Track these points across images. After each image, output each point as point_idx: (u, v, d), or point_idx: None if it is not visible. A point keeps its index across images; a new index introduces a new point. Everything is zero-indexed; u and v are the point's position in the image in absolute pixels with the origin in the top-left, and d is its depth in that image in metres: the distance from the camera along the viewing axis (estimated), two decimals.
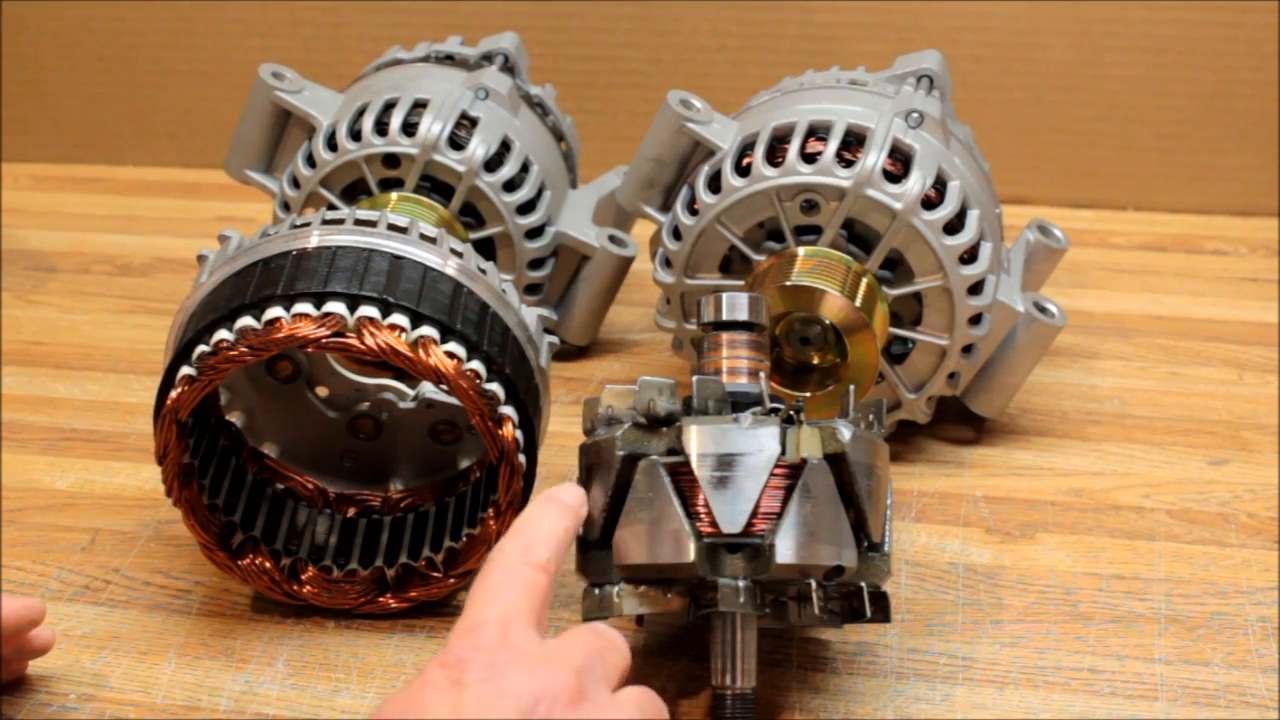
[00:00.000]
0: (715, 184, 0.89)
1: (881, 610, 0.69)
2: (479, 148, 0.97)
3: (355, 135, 0.97)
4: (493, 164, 0.98)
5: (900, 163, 0.87)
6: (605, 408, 0.70)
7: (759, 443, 0.66)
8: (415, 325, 0.72)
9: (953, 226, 0.86)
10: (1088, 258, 1.20)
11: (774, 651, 0.75)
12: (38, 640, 0.72)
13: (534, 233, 0.99)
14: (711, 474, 0.66)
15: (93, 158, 1.44)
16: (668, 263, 0.92)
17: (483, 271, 0.77)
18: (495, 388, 0.73)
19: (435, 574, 0.78)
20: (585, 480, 0.70)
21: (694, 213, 0.90)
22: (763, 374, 0.72)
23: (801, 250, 0.87)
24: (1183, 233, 1.26)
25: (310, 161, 0.98)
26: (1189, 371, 1.03)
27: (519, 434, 0.73)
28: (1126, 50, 1.27)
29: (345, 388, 0.85)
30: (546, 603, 0.61)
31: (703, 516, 0.66)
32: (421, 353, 0.71)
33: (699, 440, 0.67)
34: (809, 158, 0.87)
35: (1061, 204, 1.31)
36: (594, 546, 0.70)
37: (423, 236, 0.77)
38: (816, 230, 0.88)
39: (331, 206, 0.98)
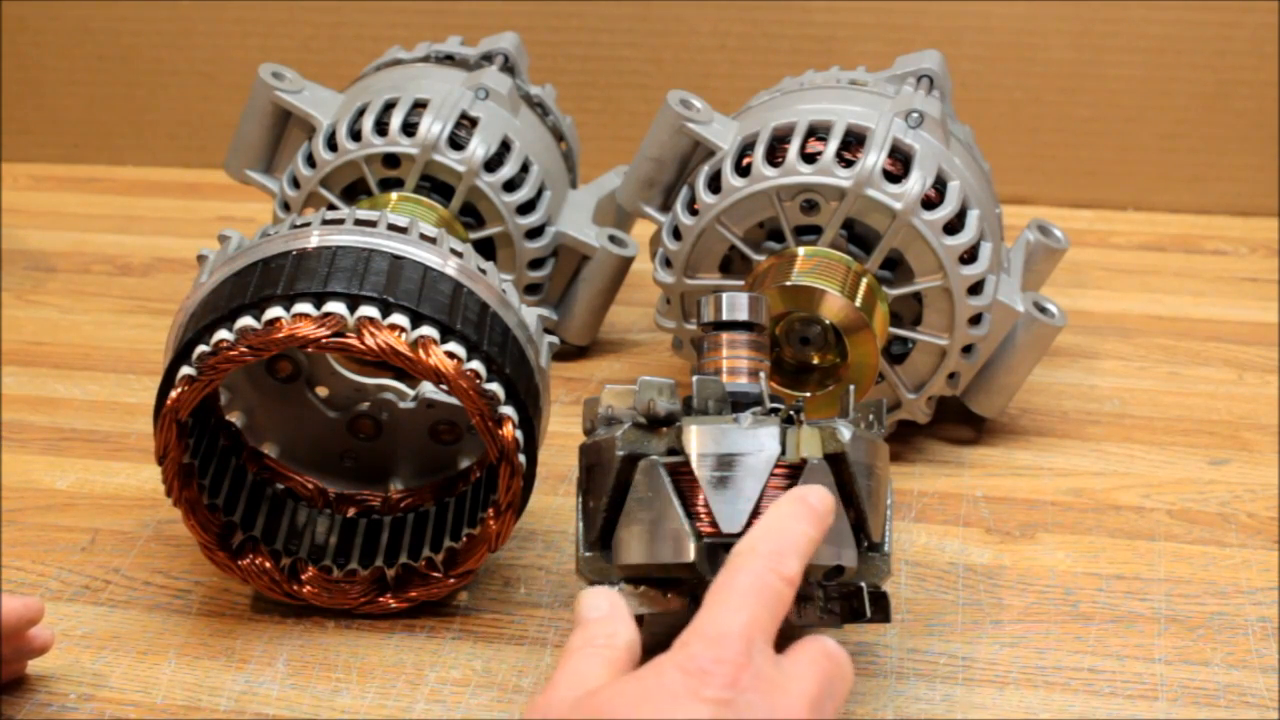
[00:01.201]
0: (715, 184, 0.89)
1: (881, 610, 0.69)
2: (479, 148, 0.97)
3: (355, 135, 0.97)
4: (493, 164, 0.98)
5: (900, 163, 0.87)
6: (605, 408, 0.70)
7: (759, 443, 0.66)
8: (415, 325, 0.72)
9: (953, 226, 0.86)
10: (1088, 258, 1.20)
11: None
12: (37, 640, 0.72)
13: (534, 233, 0.99)
14: (711, 474, 0.66)
15: (93, 158, 1.44)
16: (668, 263, 0.92)
17: (483, 271, 0.77)
18: (495, 388, 0.73)
19: (435, 574, 0.78)
20: (585, 480, 0.70)
21: (694, 213, 0.90)
22: (763, 374, 0.72)
23: (801, 250, 0.87)
24: (1183, 233, 1.26)
25: (310, 161, 0.98)
26: (1189, 371, 1.03)
27: (519, 434, 0.73)
28: (1126, 50, 1.27)
29: (345, 388, 0.85)
30: (784, 618, 0.59)
31: (703, 516, 0.66)
32: (421, 353, 0.71)
33: (699, 440, 0.67)
34: (809, 158, 0.87)
35: (1061, 204, 1.31)
36: (594, 546, 0.70)
37: (423, 236, 0.77)
38: (816, 230, 0.88)
39: (331, 206, 0.98)
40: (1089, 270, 1.18)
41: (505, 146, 0.99)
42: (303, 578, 0.78)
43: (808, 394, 0.87)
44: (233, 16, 1.37)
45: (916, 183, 0.86)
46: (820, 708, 0.56)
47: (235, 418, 0.82)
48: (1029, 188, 1.31)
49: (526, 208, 0.99)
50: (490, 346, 0.73)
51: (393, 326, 0.71)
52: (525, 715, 0.56)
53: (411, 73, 1.04)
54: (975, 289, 0.87)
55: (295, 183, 0.98)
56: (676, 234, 0.91)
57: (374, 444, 0.85)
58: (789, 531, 0.61)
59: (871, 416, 0.72)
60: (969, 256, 0.87)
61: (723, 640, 0.55)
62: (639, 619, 0.69)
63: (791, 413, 0.68)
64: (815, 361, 0.88)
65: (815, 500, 0.63)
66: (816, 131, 0.89)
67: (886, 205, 0.85)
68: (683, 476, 0.67)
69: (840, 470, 0.67)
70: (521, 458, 0.73)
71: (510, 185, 0.98)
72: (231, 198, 1.29)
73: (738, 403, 0.70)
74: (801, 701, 0.55)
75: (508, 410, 0.73)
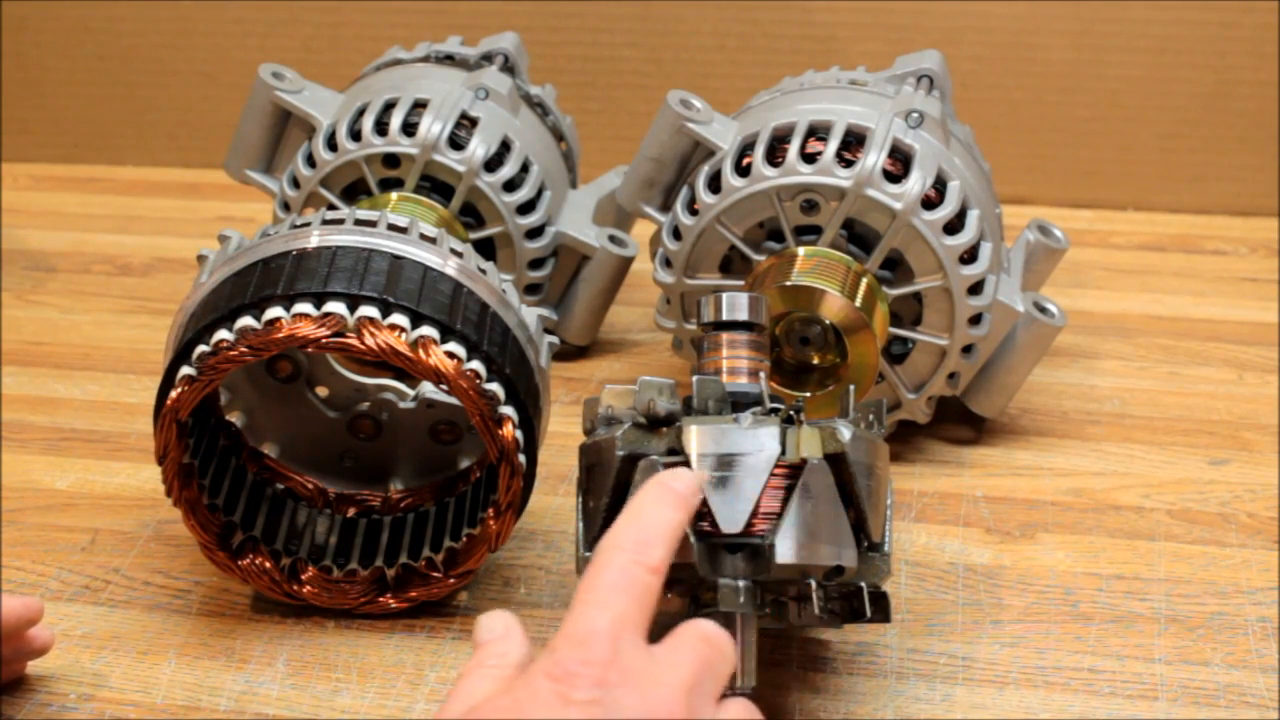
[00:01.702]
0: (715, 184, 0.89)
1: (881, 610, 0.69)
2: (479, 148, 0.97)
3: (355, 135, 0.97)
4: (493, 164, 0.98)
5: (900, 163, 0.87)
6: (605, 408, 0.70)
7: (759, 443, 0.66)
8: (415, 325, 0.72)
9: (953, 226, 0.86)
10: (1088, 258, 1.20)
11: (774, 651, 0.75)
12: (37, 640, 0.72)
13: (534, 233, 0.99)
14: (711, 474, 0.66)
15: (93, 158, 1.44)
16: (668, 263, 0.92)
17: (483, 271, 0.77)
18: (495, 388, 0.73)
19: (435, 574, 0.78)
20: (585, 480, 0.70)
21: (694, 213, 0.90)
22: (763, 374, 0.72)
23: (801, 250, 0.87)
24: (1183, 233, 1.26)
25: (310, 161, 0.98)
26: (1189, 371, 1.03)
27: (519, 434, 0.73)
28: (1126, 50, 1.27)
29: (345, 388, 0.85)
30: (655, 607, 0.59)
31: (703, 516, 0.66)
32: (421, 353, 0.71)
33: (699, 440, 0.67)
34: (809, 158, 0.87)
35: (1061, 204, 1.31)
36: (594, 546, 0.69)
37: (423, 236, 0.77)
38: (816, 230, 0.88)
39: (331, 206, 0.98)
40: (1089, 270, 1.18)
41: (505, 146, 0.99)
42: (303, 578, 0.78)
43: (808, 394, 0.87)
44: (233, 16, 1.37)
45: (916, 183, 0.86)
46: (697, 693, 0.56)
47: (235, 418, 0.82)
48: (1029, 188, 1.31)
49: (526, 208, 0.99)
50: (490, 346, 0.73)
51: (393, 326, 0.71)
52: None
53: (411, 73, 1.04)
54: (975, 289, 0.87)
55: (295, 183, 0.98)
56: (676, 234, 0.91)
57: (374, 444, 0.85)
58: (651, 520, 0.61)
59: (871, 416, 0.72)
60: (969, 256, 0.87)
61: (588, 640, 0.55)
62: None
63: (791, 413, 0.68)
64: (815, 361, 0.88)
65: (679, 484, 0.63)
66: (816, 131, 0.89)
67: (886, 205, 0.85)
68: None
69: (840, 470, 0.67)
70: (521, 458, 0.73)
71: (510, 185, 0.98)
72: (231, 198, 1.29)
73: (738, 403, 0.70)
74: (676, 691, 0.55)
75: (508, 410, 0.73)
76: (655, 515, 0.61)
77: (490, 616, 0.61)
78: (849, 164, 0.86)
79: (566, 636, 0.56)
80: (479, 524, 0.76)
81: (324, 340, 0.71)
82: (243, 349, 0.71)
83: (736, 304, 0.73)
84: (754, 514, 0.66)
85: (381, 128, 0.97)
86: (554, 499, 0.87)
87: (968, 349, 0.89)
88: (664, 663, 0.56)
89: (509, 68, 1.05)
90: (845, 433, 0.67)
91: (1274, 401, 0.98)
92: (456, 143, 0.97)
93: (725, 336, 0.72)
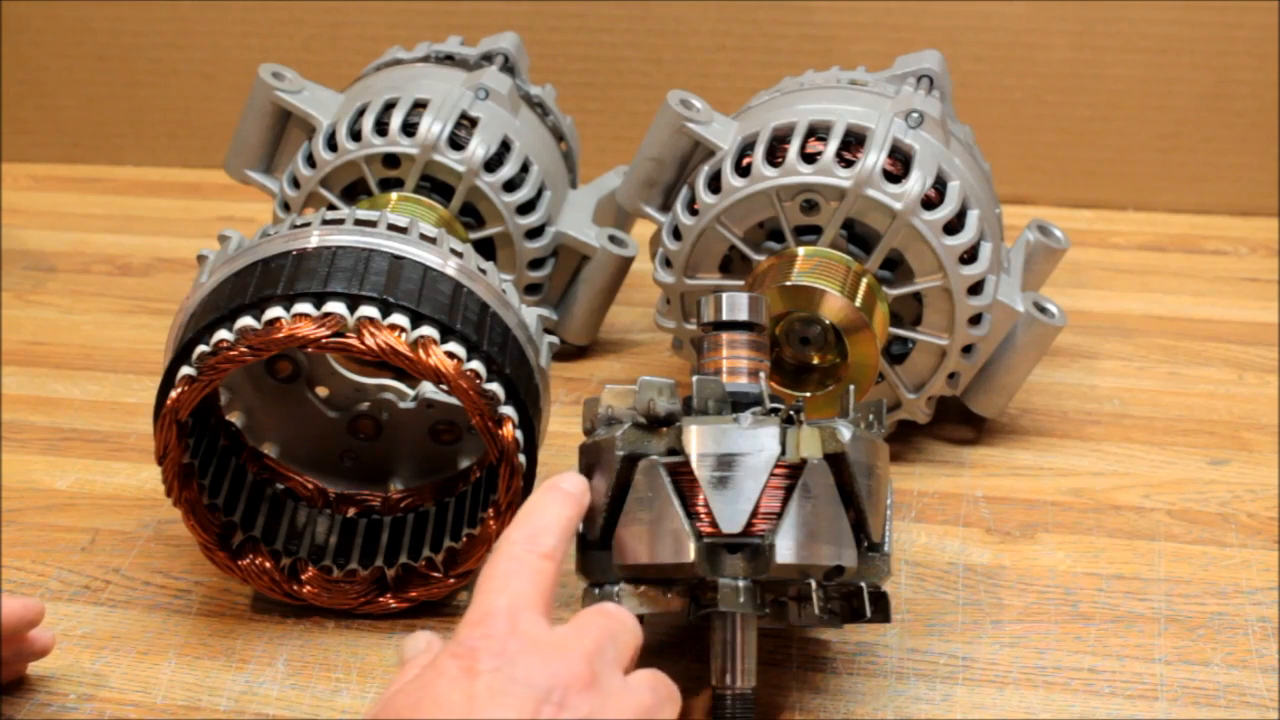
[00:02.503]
0: (715, 184, 0.89)
1: (881, 610, 0.69)
2: (479, 148, 0.97)
3: (355, 135, 0.97)
4: (493, 164, 0.98)
5: (900, 163, 0.87)
6: (605, 408, 0.70)
7: (759, 443, 0.66)
8: (415, 325, 0.72)
9: (953, 226, 0.86)
10: (1088, 258, 1.20)
11: (774, 651, 0.75)
12: (38, 642, 0.72)
13: (534, 233, 0.99)
14: (711, 474, 0.66)
15: (93, 158, 1.44)
16: (668, 263, 0.92)
17: (483, 271, 0.77)
18: (495, 388, 0.73)
19: (435, 574, 0.78)
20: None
21: (694, 213, 0.90)
22: (763, 374, 0.72)
23: (801, 250, 0.87)
24: (1183, 233, 1.26)
25: (310, 161, 0.98)
26: (1189, 371, 1.03)
27: (519, 434, 0.73)
28: (1126, 50, 1.27)
29: (345, 388, 0.85)
30: (554, 590, 0.61)
31: (703, 516, 0.66)
32: (421, 353, 0.71)
33: (699, 440, 0.67)
34: (809, 158, 0.87)
35: (1061, 204, 1.31)
36: (594, 546, 0.70)
37: (423, 236, 0.77)
38: (816, 230, 0.88)
39: (331, 206, 0.98)
40: (1089, 270, 1.18)
41: (505, 146, 0.99)
42: (303, 578, 0.78)
43: (808, 394, 0.87)
44: (233, 16, 1.37)
45: (916, 183, 0.86)
46: (600, 659, 0.58)
47: (235, 418, 0.82)
48: (1029, 188, 1.31)
49: (526, 208, 0.99)
50: (490, 346, 0.73)
51: (393, 326, 0.71)
52: None
53: (411, 73, 1.04)
54: (975, 289, 0.87)
55: (295, 183, 0.98)
56: (676, 234, 0.91)
57: (374, 444, 0.85)
58: (541, 514, 0.64)
59: (871, 416, 0.72)
60: (969, 256, 0.87)
61: (486, 619, 0.58)
62: (639, 619, 0.69)
63: (791, 413, 0.68)
64: (815, 361, 0.88)
65: (567, 484, 0.66)
66: (816, 131, 0.89)
67: (886, 205, 0.85)
68: (683, 476, 0.67)
69: (840, 470, 0.67)
70: (521, 458, 0.73)
71: (510, 185, 0.98)
72: (231, 198, 1.29)
73: (738, 403, 0.70)
74: (578, 655, 0.57)
75: (508, 410, 0.73)
76: (545, 511, 0.65)
77: (413, 637, 0.63)
78: (849, 164, 0.86)
79: (466, 621, 0.58)
80: (479, 524, 0.76)
81: (324, 340, 0.71)
82: (243, 349, 0.71)
83: (736, 304, 0.73)
84: (754, 514, 0.66)
85: (381, 128, 0.97)
86: None
87: (968, 349, 0.89)
88: (564, 635, 0.59)
89: (509, 68, 1.05)
90: (845, 433, 0.67)
91: (1274, 401, 0.98)
92: (456, 143, 0.97)
93: (725, 336, 0.72)
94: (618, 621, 0.61)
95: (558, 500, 0.65)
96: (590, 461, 0.70)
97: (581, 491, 0.67)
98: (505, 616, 0.58)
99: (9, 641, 0.71)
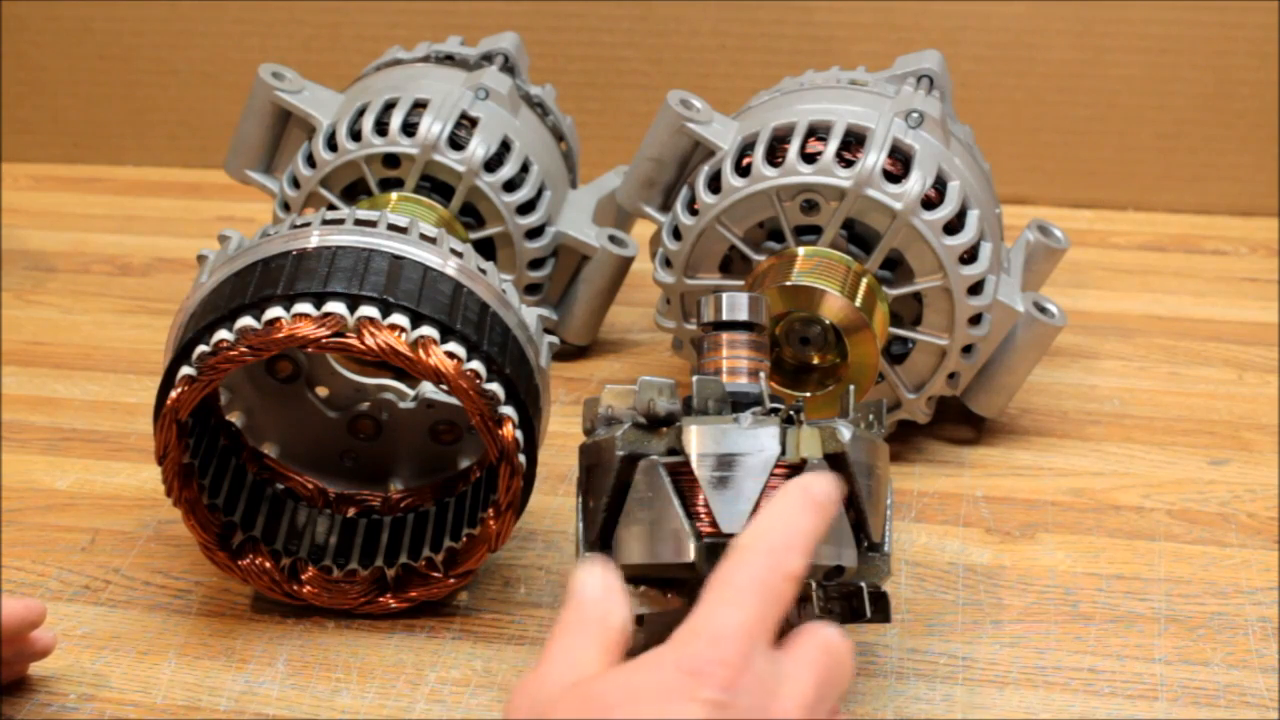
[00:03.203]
0: (715, 184, 0.89)
1: (881, 610, 0.69)
2: (479, 148, 0.97)
3: (355, 135, 0.97)
4: (493, 164, 0.98)
5: (900, 163, 0.87)
6: (605, 408, 0.70)
7: (759, 443, 0.66)
8: (415, 325, 0.72)
9: (953, 226, 0.86)
10: (1088, 258, 1.20)
11: None
12: (39, 643, 0.72)
13: (534, 233, 0.99)
14: (711, 474, 0.66)
15: (93, 158, 1.44)
16: (668, 263, 0.92)
17: (483, 271, 0.77)
18: (495, 388, 0.73)
19: (435, 574, 0.78)
20: (585, 480, 0.70)
21: (694, 213, 0.90)
22: (763, 374, 0.72)
23: (801, 250, 0.87)
24: (1183, 233, 1.26)
25: (310, 161, 0.98)
26: (1189, 371, 1.03)
27: (519, 434, 0.73)
28: (1126, 50, 1.27)
29: (345, 388, 0.85)
30: (784, 615, 0.56)
31: (703, 516, 0.66)
32: (421, 353, 0.71)
33: (699, 440, 0.67)
34: (809, 158, 0.87)
35: (1061, 204, 1.31)
36: (594, 546, 0.70)
37: (423, 236, 0.77)
38: (816, 230, 0.88)
39: (331, 206, 0.98)
40: (1089, 270, 1.18)
41: (505, 146, 0.99)
42: (303, 578, 0.78)
43: (808, 394, 0.87)
44: (233, 16, 1.37)
45: (916, 183, 0.86)
46: (815, 709, 0.55)
47: (235, 418, 0.82)
48: (1029, 188, 1.31)
49: (526, 208, 0.99)
50: (490, 346, 0.73)
51: (393, 326, 0.71)
52: (515, 694, 0.55)
53: (411, 73, 1.04)
54: (975, 289, 0.87)
55: (295, 183, 0.98)
56: (676, 234, 0.91)
57: (374, 444, 0.85)
58: (792, 526, 0.58)
59: (871, 416, 0.72)
60: (969, 256, 0.87)
61: (722, 640, 0.54)
62: (639, 619, 0.69)
63: (791, 413, 0.68)
64: (815, 361, 0.88)
65: (819, 492, 0.60)
66: (816, 131, 0.89)
67: (886, 205, 0.85)
68: (683, 476, 0.67)
69: (840, 470, 0.67)
70: (521, 458, 0.73)
71: (510, 185, 0.98)
72: (231, 198, 1.29)
73: (738, 403, 0.70)
74: (797, 704, 0.54)
75: (508, 410, 0.73)
76: (795, 522, 0.58)
77: (589, 572, 0.58)
78: (849, 164, 0.86)
79: (697, 632, 0.54)
80: (479, 524, 0.76)
81: (324, 340, 0.71)
82: (243, 349, 0.71)
83: (736, 304, 0.73)
84: (754, 514, 0.66)
85: (381, 128, 0.97)
86: (554, 499, 0.87)
87: (968, 349, 0.89)
88: (788, 675, 0.55)
89: (509, 68, 1.05)
90: (845, 433, 0.67)
91: (1274, 401, 0.98)
92: (456, 143, 0.97)
93: (725, 336, 0.72)
94: (838, 660, 0.57)
95: (811, 510, 0.59)
96: (590, 461, 0.70)
97: (832, 502, 0.60)
98: (742, 642, 0.53)
99: (10, 642, 0.71)
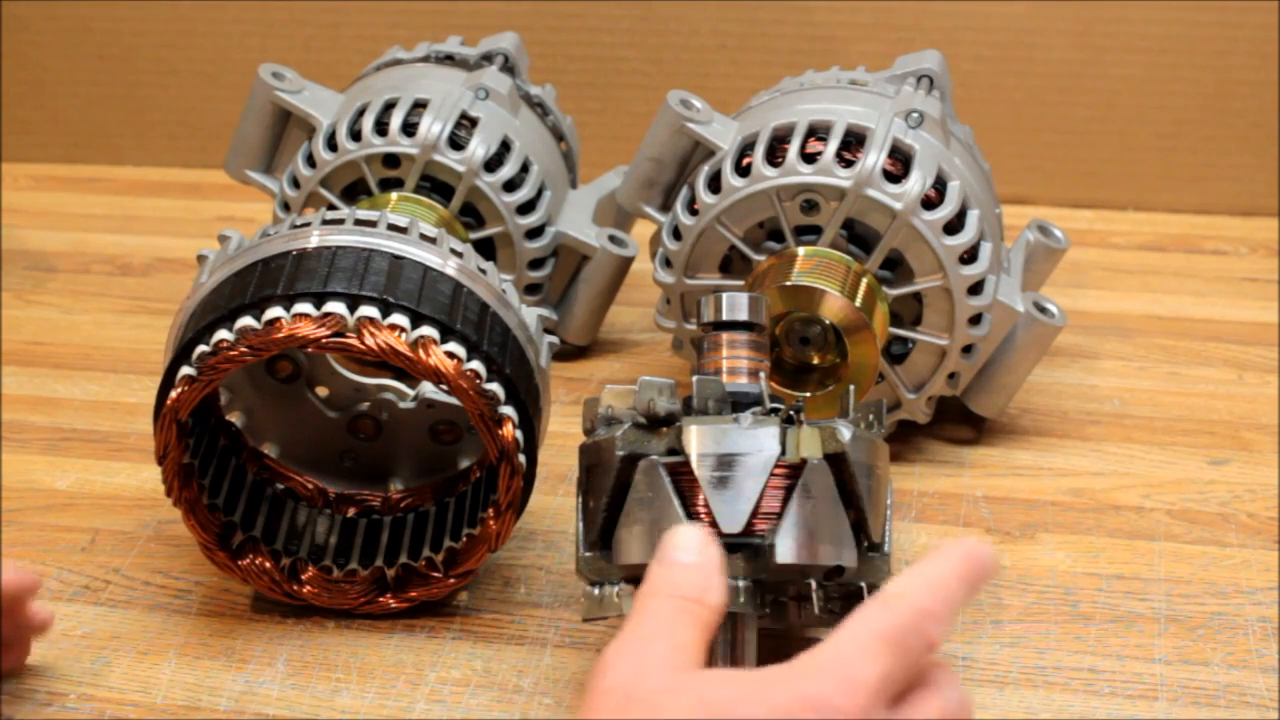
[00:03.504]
0: (715, 184, 0.89)
1: None
2: (479, 148, 0.97)
3: (355, 135, 0.97)
4: (493, 164, 0.98)
5: (900, 163, 0.87)
6: (605, 408, 0.70)
7: (759, 443, 0.66)
8: (415, 325, 0.72)
9: (953, 226, 0.86)
10: (1088, 258, 1.20)
11: (774, 651, 0.75)
12: (37, 616, 0.72)
13: (534, 233, 0.99)
14: (711, 474, 0.66)
15: (93, 158, 1.44)
16: (668, 263, 0.92)
17: (483, 271, 0.77)
18: (495, 388, 0.73)
19: (435, 574, 0.78)
20: (585, 480, 0.70)
21: (694, 213, 0.90)
22: (763, 374, 0.72)
23: (801, 250, 0.87)
24: (1183, 233, 1.26)
25: (310, 161, 0.98)
26: (1189, 371, 1.03)
27: (519, 434, 0.73)
28: (1126, 50, 1.27)
29: (345, 388, 0.85)
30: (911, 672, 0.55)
31: (703, 516, 0.66)
32: (421, 353, 0.71)
33: (699, 440, 0.67)
34: (809, 158, 0.87)
35: (1061, 204, 1.31)
36: (594, 546, 0.70)
37: (423, 236, 0.77)
38: (816, 230, 0.88)
39: (331, 206, 0.98)
40: (1089, 270, 1.18)
41: (505, 146, 0.99)
42: (303, 578, 0.78)
43: (808, 394, 0.87)
44: (233, 16, 1.37)
45: (916, 183, 0.86)
46: None
47: (235, 418, 0.82)
48: (1029, 188, 1.31)
49: (526, 208, 0.99)
50: (490, 346, 0.73)
51: (393, 326, 0.71)
52: (608, 670, 0.53)
53: (411, 73, 1.04)
54: (975, 289, 0.87)
55: (295, 183, 0.98)
56: (676, 234, 0.91)
57: (374, 444, 0.85)
58: (948, 592, 0.56)
59: (871, 416, 0.72)
60: (969, 256, 0.87)
61: (854, 690, 0.52)
62: None
63: (791, 413, 0.68)
64: (815, 361, 0.88)
65: (982, 567, 0.57)
66: (816, 131, 0.89)
67: (886, 205, 0.85)
68: (683, 476, 0.67)
69: (840, 470, 0.67)
70: (521, 458, 0.73)
71: (510, 185, 0.98)
72: (232, 198, 1.29)
73: (738, 403, 0.70)
74: None
75: (508, 410, 0.73)
76: (951, 588, 0.56)
77: (685, 534, 0.55)
78: (849, 164, 0.86)
79: (829, 672, 0.53)
80: (479, 524, 0.76)
81: (324, 340, 0.71)
82: (243, 349, 0.71)
83: (736, 304, 0.73)
84: (754, 514, 0.66)
85: (381, 128, 0.97)
86: (554, 499, 0.87)
87: (968, 349, 0.89)
88: None
89: (509, 68, 1.05)
90: (845, 433, 0.67)
91: (1274, 401, 0.98)
92: (456, 143, 0.97)
93: (725, 336, 0.72)
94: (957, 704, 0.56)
95: (968, 584, 0.56)
96: (590, 461, 0.70)
97: (990, 577, 0.58)
98: (874, 696, 0.52)
99: (10, 612, 0.71)
